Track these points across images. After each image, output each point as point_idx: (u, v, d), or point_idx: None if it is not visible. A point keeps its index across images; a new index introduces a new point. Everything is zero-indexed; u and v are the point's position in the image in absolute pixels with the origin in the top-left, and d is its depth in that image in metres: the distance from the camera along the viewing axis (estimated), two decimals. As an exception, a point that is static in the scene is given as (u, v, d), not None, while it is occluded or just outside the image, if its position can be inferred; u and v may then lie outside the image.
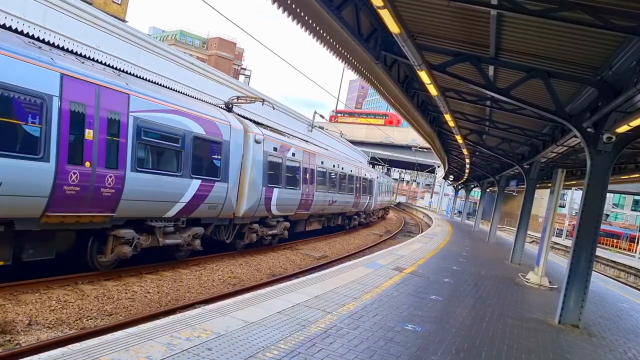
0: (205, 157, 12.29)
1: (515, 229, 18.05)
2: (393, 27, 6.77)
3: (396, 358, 5.78)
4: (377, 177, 35.08)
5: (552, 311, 9.53)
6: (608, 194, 25.52)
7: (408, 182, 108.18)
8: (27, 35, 12.49)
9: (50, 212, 8.45)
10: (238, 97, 17.94)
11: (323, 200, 20.95)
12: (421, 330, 7.12)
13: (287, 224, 17.92)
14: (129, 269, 11.06)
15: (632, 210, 73.93)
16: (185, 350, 5.00)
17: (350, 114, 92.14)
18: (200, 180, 11.99)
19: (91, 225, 9.55)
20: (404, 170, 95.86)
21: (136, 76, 15.37)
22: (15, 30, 12.28)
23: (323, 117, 36.64)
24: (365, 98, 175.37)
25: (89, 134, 8.94)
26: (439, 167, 60.72)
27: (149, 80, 15.61)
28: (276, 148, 15.98)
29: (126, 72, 15.31)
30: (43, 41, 12.81)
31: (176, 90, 17.67)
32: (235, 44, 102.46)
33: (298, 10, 7.82)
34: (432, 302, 9.12)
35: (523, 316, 9.19)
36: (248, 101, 18.65)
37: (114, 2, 46.44)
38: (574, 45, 7.70)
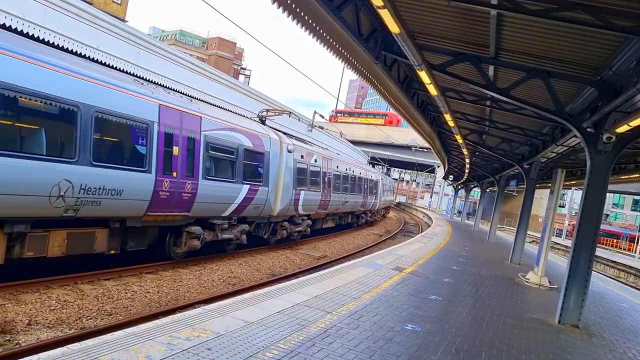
0: (252, 165, 14.63)
1: (515, 228, 18.05)
2: (393, 27, 6.76)
3: (396, 358, 5.78)
4: (382, 179, 37.59)
5: (552, 311, 9.53)
6: (608, 194, 25.52)
7: (408, 182, 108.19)
8: (27, 35, 12.48)
9: (149, 212, 10.75)
10: (267, 110, 21.20)
11: (338, 201, 23.36)
12: (421, 330, 7.12)
13: (309, 222, 20.07)
14: (129, 268, 11.06)
15: (632, 210, 73.94)
16: (185, 350, 5.00)
17: (350, 114, 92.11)
18: (248, 185, 14.28)
19: (172, 222, 11.79)
20: (404, 170, 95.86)
21: (139, 77, 15.40)
22: (15, 30, 12.28)
23: (323, 117, 36.65)
24: (365, 98, 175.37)
25: (175, 150, 11.26)
26: (438, 167, 60.76)
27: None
28: (302, 156, 18.46)
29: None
30: (43, 41, 12.81)
31: (190, 96, 17.69)
32: (235, 43, 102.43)
33: (298, 10, 7.82)
34: (432, 302, 9.12)
35: (523, 316, 9.19)
36: (276, 114, 21.89)
37: (114, 2, 46.43)
38: (574, 45, 7.69)
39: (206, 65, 23.51)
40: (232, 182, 13.44)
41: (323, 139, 36.21)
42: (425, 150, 58.40)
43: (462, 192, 52.58)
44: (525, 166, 17.44)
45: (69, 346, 4.73)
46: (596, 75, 8.43)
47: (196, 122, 11.87)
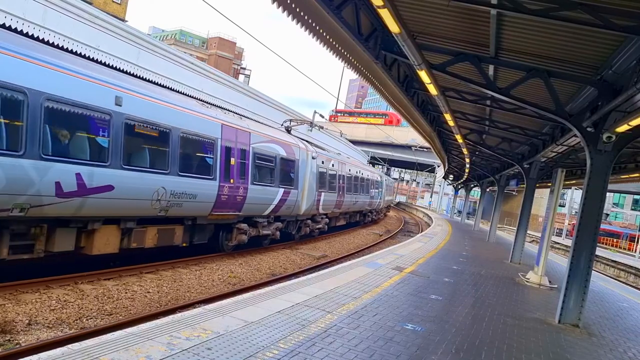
0: (286, 171, 16.96)
1: (515, 228, 18.05)
2: (393, 26, 6.76)
3: (396, 358, 5.78)
4: (385, 180, 41.05)
5: (552, 311, 9.53)
6: (608, 194, 25.51)
7: (408, 181, 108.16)
8: (27, 35, 12.48)
9: (213, 212, 13.03)
10: (290, 120, 24.88)
11: (350, 201, 25.99)
12: (421, 329, 7.12)
13: (327, 220, 22.62)
14: (129, 268, 11.06)
15: (632, 209, 73.98)
16: (185, 350, 5.00)
17: (350, 114, 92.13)
18: (283, 189, 16.59)
19: (227, 220, 14.10)
20: (404, 170, 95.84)
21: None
22: (15, 30, 12.28)
23: (323, 117, 36.65)
24: (365, 97, 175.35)
25: (232, 160, 13.58)
26: (439, 166, 60.76)
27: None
28: (323, 161, 20.97)
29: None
30: (43, 41, 12.81)
31: (186, 94, 17.69)
32: (235, 43, 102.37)
33: (298, 9, 7.82)
34: (432, 301, 9.12)
35: (523, 316, 9.19)
36: (299, 123, 25.64)
37: (113, 1, 46.41)
38: (574, 44, 7.69)
39: (206, 65, 23.50)
40: (272, 186, 15.92)
41: (323, 139, 36.19)
42: (425, 149, 58.42)
43: (462, 192, 52.58)
44: (525, 166, 17.43)
45: (69, 346, 4.73)
46: (596, 75, 8.43)
47: (247, 136, 14.37)
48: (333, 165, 22.62)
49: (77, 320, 7.85)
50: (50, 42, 13.23)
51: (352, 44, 8.93)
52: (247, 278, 12.59)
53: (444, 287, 10.73)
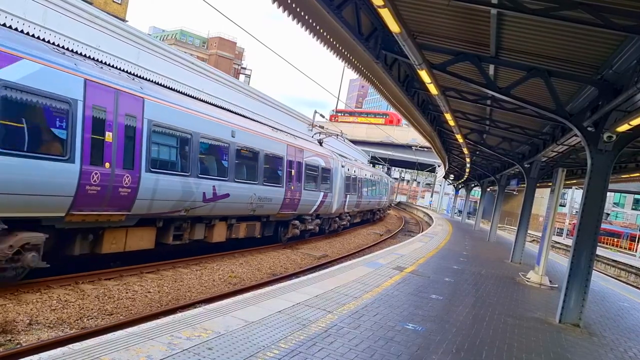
0: (325, 178, 21.01)
1: (516, 228, 18.04)
2: (393, 26, 6.76)
3: (397, 357, 5.78)
4: (390, 181, 46.72)
5: (552, 310, 9.53)
6: (608, 193, 25.47)
7: (408, 181, 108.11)
8: (27, 34, 12.48)
9: (280, 211, 17.01)
10: (320, 133, 29.17)
11: (365, 201, 30.53)
12: (422, 329, 7.12)
13: (349, 217, 26.90)
14: (130, 268, 11.06)
15: (632, 209, 73.91)
16: (185, 350, 5.00)
17: (351, 114, 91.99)
18: (323, 192, 20.75)
19: (285, 218, 17.92)
20: (404, 170, 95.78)
21: (143, 78, 15.45)
22: (16, 30, 12.28)
23: (323, 117, 36.65)
24: (366, 97, 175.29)
25: (292, 172, 17.57)
26: (439, 166, 60.71)
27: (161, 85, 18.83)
28: (348, 168, 25.28)
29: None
30: (43, 40, 12.81)
31: (178, 91, 17.70)
32: (236, 43, 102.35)
33: (298, 9, 7.81)
34: (432, 301, 9.12)
35: (523, 315, 9.19)
36: (327, 135, 29.35)
37: (114, 1, 46.42)
38: (575, 44, 7.69)
39: (206, 65, 23.51)
40: (316, 190, 20.00)
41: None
42: (425, 149, 58.32)
43: (462, 192, 52.55)
44: (525, 165, 17.43)
45: (70, 346, 4.74)
46: (596, 74, 8.42)
47: (301, 152, 18.48)
48: (355, 171, 27.14)
49: (77, 320, 7.86)
50: (51, 42, 13.23)
51: (352, 43, 8.93)
52: (247, 278, 12.60)
53: (444, 287, 10.73)
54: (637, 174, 19.16)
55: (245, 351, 5.21)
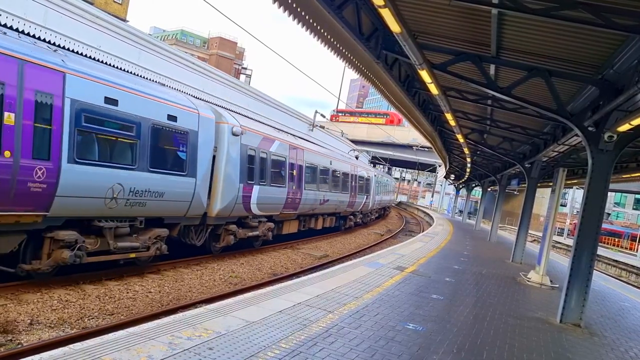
0: (362, 186, 27.99)
1: (517, 228, 18.02)
2: (394, 26, 6.76)
3: (397, 357, 5.78)
4: (395, 182, 53.59)
5: (553, 310, 9.52)
6: (609, 193, 25.45)
7: (409, 181, 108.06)
8: (27, 35, 12.49)
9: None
10: (355, 150, 42.42)
11: (379, 200, 36.11)
12: (422, 329, 7.12)
13: (362, 216, 31.75)
14: (131, 268, 11.06)
15: (633, 209, 73.78)
16: (186, 350, 5.00)
17: (351, 113, 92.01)
18: (365, 195, 29.11)
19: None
20: (405, 170, 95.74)
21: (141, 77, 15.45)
22: (17, 30, 12.29)
23: (324, 117, 36.65)
24: (366, 97, 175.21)
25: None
26: (440, 166, 60.65)
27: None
28: (376, 176, 33.64)
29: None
30: (44, 41, 12.82)
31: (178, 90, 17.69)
32: (236, 43, 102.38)
33: (299, 9, 7.81)
34: (433, 301, 9.12)
35: (524, 315, 9.19)
36: (360, 152, 40.39)
37: (114, 1, 46.44)
38: (575, 43, 7.68)
39: (207, 65, 23.52)
40: (344, 194, 24.77)
41: (324, 139, 36.19)
42: (426, 149, 58.27)
43: (463, 192, 52.53)
44: (526, 165, 17.41)
45: (71, 346, 4.74)
46: (597, 74, 8.41)
47: (327, 160, 22.13)
48: (380, 179, 36.24)
49: (78, 320, 7.87)
50: (52, 42, 13.24)
51: (353, 43, 8.92)
52: (248, 278, 12.60)
53: (445, 287, 10.72)
54: (638, 174, 19.13)
55: (246, 351, 5.21)
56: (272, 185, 16.16)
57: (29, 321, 7.37)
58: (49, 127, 8.48)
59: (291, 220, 18.86)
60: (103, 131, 9.48)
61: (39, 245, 8.97)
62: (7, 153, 7.90)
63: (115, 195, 9.65)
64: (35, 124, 8.18)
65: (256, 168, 14.85)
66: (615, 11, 6.00)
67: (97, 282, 9.86)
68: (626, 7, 5.94)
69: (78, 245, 9.23)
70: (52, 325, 7.45)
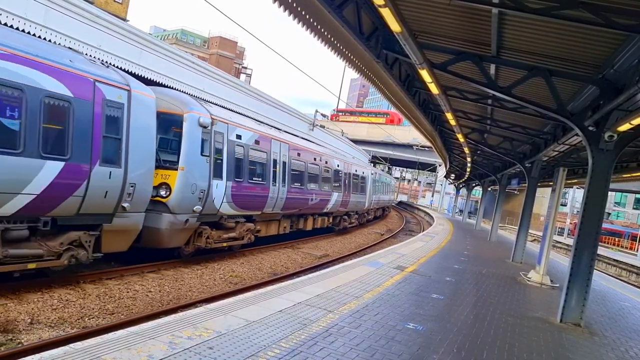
0: (357, 184, 27.34)
1: (517, 227, 18.02)
2: (394, 25, 6.76)
3: (398, 357, 5.78)
4: (394, 181, 55.03)
5: (553, 310, 9.52)
6: (610, 193, 25.45)
7: (409, 180, 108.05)
8: (28, 34, 12.48)
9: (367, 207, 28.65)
10: (372, 156, 53.07)
11: (376, 199, 36.12)
12: (423, 329, 7.12)
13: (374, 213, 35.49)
14: (131, 267, 11.07)
15: (633, 208, 73.77)
16: (186, 349, 5.00)
17: (352, 113, 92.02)
18: (378, 195, 33.98)
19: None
20: (405, 169, 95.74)
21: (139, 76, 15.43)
22: (17, 29, 12.28)
23: (324, 116, 36.67)
24: (367, 97, 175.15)
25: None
26: (440, 165, 60.60)
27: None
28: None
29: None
30: (44, 40, 12.81)
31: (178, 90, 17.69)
32: (237, 43, 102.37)
33: (299, 9, 7.81)
34: (433, 300, 9.12)
35: (525, 315, 9.19)
36: (379, 159, 53.56)
37: (115, 1, 46.43)
38: (576, 43, 7.68)
39: (207, 64, 23.52)
40: (362, 194, 28.78)
41: (324, 138, 36.20)
42: (426, 149, 58.24)
43: (463, 191, 52.52)
44: (526, 165, 17.41)
45: (71, 345, 4.74)
46: (598, 74, 8.41)
47: (342, 163, 24.03)
48: (379, 175, 38.36)
49: (79, 319, 7.87)
50: (52, 41, 13.23)
51: (353, 43, 8.92)
52: (248, 277, 12.60)
53: (445, 286, 10.72)
54: (638, 174, 19.13)
55: (246, 350, 5.22)
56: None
57: (29, 320, 7.38)
58: (366, 184, 18.46)
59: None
60: (379, 185, 23.41)
61: None
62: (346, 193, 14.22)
63: None
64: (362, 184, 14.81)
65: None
66: (616, 10, 6.00)
67: (97, 281, 9.87)
68: (626, 6, 5.94)
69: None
70: (53, 325, 7.46)
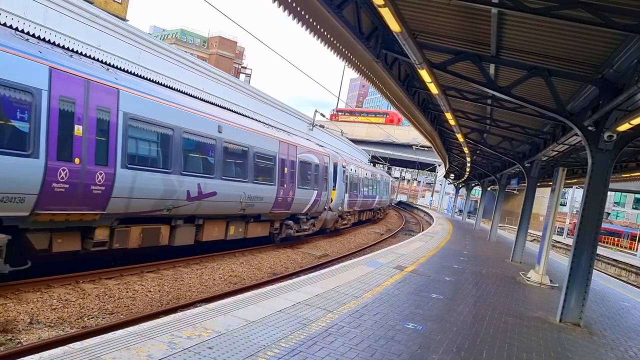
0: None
1: (516, 227, 18.03)
2: (394, 25, 6.76)
3: (397, 357, 5.78)
4: (390, 179, 54.27)
5: (553, 310, 9.53)
6: (609, 192, 25.48)
7: (409, 180, 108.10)
8: (28, 34, 12.48)
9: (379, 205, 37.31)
10: (372, 156, 58.71)
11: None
12: (422, 328, 7.12)
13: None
14: (131, 267, 11.07)
15: (633, 208, 73.86)
16: (186, 349, 5.00)
17: (351, 113, 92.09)
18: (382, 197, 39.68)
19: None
20: (405, 169, 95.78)
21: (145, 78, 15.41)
22: (17, 29, 12.28)
23: (324, 116, 36.69)
24: (366, 97, 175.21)
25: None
26: (439, 165, 60.70)
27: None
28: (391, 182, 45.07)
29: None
30: (44, 40, 12.81)
31: (178, 90, 17.67)
32: (236, 42, 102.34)
33: (299, 9, 7.81)
34: (433, 300, 9.12)
35: (524, 315, 9.19)
36: (379, 159, 57.77)
37: (114, 1, 46.41)
38: (575, 43, 7.68)
39: (207, 64, 23.52)
40: (372, 196, 32.85)
41: (324, 138, 36.21)
42: (426, 149, 58.33)
43: (463, 191, 52.55)
44: (526, 165, 17.42)
45: (71, 345, 4.74)
46: (597, 74, 8.42)
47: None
48: (390, 181, 46.35)
49: (78, 319, 7.87)
50: (52, 41, 13.23)
51: (353, 43, 8.92)
52: (248, 277, 12.60)
53: (445, 286, 10.73)
54: (638, 173, 19.14)
55: (246, 350, 5.22)
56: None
57: (28, 320, 7.38)
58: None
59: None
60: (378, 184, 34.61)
61: None
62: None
63: None
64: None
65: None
66: (615, 10, 6.00)
67: (96, 281, 9.87)
68: (626, 6, 5.95)
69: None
70: (52, 325, 7.46)
